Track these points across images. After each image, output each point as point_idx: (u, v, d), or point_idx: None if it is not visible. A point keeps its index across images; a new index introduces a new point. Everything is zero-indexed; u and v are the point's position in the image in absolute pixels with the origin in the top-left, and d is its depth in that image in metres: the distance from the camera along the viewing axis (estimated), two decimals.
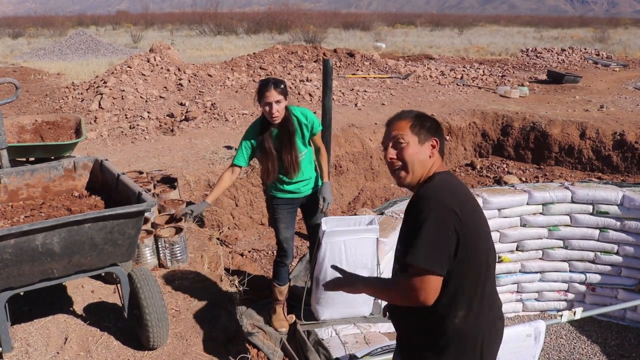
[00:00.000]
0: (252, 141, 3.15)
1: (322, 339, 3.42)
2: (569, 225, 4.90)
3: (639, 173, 6.70)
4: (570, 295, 5.11)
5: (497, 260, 4.90)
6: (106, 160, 3.12)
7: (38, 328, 2.85)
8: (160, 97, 8.21)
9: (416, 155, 1.69)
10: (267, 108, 2.98)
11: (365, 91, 9.35)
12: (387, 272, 3.46)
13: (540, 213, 4.88)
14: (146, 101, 7.97)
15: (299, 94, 8.86)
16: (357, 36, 29.83)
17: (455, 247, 1.57)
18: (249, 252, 5.24)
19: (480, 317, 1.66)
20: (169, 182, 4.62)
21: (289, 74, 10.40)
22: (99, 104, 7.72)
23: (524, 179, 6.94)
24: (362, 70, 11.74)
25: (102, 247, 2.47)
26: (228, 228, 5.47)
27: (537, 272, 5.04)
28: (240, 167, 3.20)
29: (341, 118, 7.27)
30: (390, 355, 2.60)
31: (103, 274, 2.75)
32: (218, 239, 4.93)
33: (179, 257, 3.69)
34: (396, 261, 1.83)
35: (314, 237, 3.42)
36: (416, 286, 1.53)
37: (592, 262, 4.95)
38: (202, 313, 3.18)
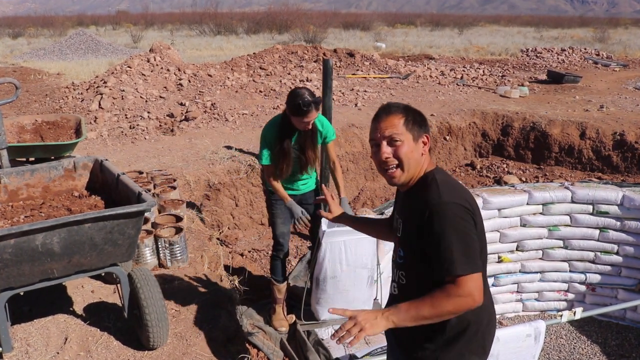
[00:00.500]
0: (272, 142, 3.14)
1: (322, 339, 3.43)
2: (569, 225, 4.89)
3: (639, 173, 6.71)
4: (570, 295, 5.11)
5: (497, 260, 4.91)
6: (106, 160, 3.12)
7: (38, 328, 2.85)
8: (160, 97, 8.21)
9: (412, 154, 1.66)
10: (302, 125, 2.99)
11: (365, 91, 9.35)
12: (387, 272, 3.45)
13: (540, 213, 4.88)
14: (146, 101, 7.97)
15: None
16: (357, 36, 29.84)
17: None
18: (249, 252, 5.24)
19: (482, 304, 1.67)
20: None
21: (289, 74, 10.40)
22: (99, 104, 7.72)
23: (524, 179, 6.94)
24: (362, 70, 11.74)
25: (102, 247, 2.46)
26: (228, 228, 5.47)
27: (537, 272, 5.04)
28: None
29: (341, 118, 7.27)
30: None
31: (103, 274, 2.75)
32: (218, 239, 4.93)
33: (179, 257, 3.69)
34: (395, 265, 1.81)
35: (315, 228, 3.45)
36: (468, 291, 1.51)
37: (592, 262, 4.95)
38: (202, 313, 3.18)
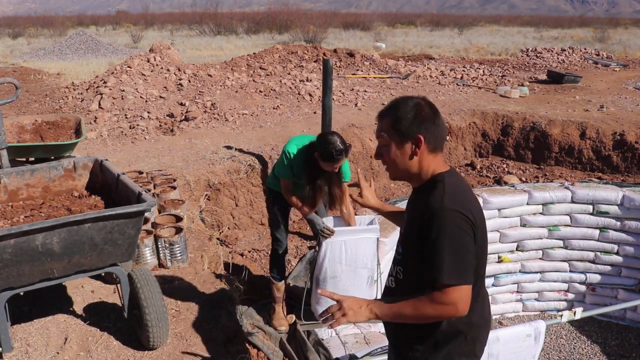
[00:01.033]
0: (297, 170, 3.18)
1: (322, 339, 3.43)
2: (569, 225, 4.90)
3: (639, 173, 6.71)
4: (570, 295, 5.11)
5: (497, 260, 4.91)
6: (106, 160, 3.12)
7: (38, 328, 2.85)
8: (160, 97, 8.21)
9: (397, 158, 1.68)
10: (330, 169, 3.04)
11: (365, 91, 9.35)
12: (387, 272, 3.45)
13: (540, 213, 4.88)
14: (146, 101, 7.97)
15: (299, 94, 8.87)
16: (357, 36, 29.82)
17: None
18: (249, 252, 5.24)
19: (475, 311, 1.67)
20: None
21: (289, 74, 10.40)
22: (99, 104, 7.72)
23: (524, 179, 6.94)
24: (362, 70, 11.74)
25: (102, 247, 2.46)
26: (228, 228, 5.47)
27: (537, 272, 5.04)
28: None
29: (341, 118, 7.27)
30: None
31: (103, 274, 2.75)
32: (218, 239, 4.94)
33: (179, 257, 3.69)
34: (394, 259, 1.82)
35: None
36: (451, 300, 1.52)
37: (592, 262, 4.95)
38: (202, 313, 3.18)
